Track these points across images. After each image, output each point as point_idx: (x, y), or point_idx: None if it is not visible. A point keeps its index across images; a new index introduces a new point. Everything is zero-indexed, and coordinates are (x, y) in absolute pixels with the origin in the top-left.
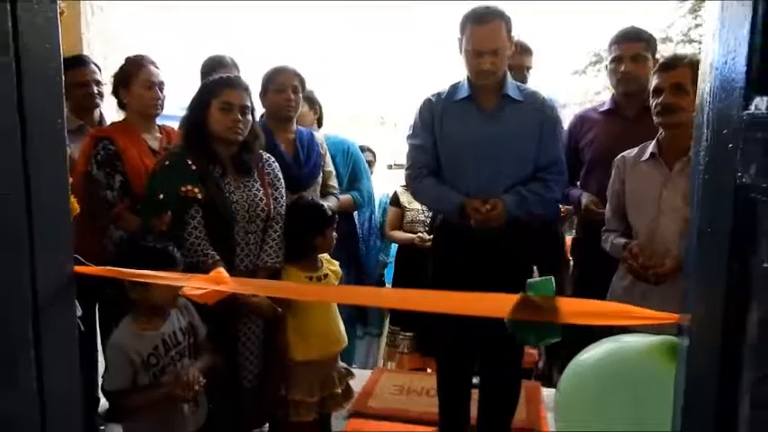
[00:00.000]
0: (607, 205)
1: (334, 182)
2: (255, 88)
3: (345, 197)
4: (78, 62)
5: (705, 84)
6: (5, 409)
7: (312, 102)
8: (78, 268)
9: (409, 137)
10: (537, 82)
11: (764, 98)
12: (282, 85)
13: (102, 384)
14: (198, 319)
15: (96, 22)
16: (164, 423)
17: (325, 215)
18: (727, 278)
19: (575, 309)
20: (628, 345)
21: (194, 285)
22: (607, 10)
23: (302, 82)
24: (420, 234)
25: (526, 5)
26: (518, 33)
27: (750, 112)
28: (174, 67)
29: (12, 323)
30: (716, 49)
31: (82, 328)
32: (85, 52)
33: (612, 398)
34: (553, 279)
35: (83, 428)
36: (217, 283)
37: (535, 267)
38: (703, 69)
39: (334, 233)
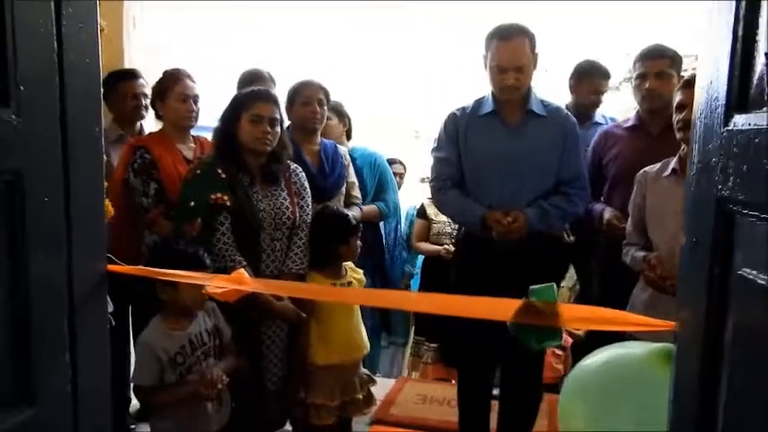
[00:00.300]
0: (628, 219)
1: (357, 192)
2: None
3: (371, 207)
4: (130, 75)
5: (696, 103)
6: (40, 405)
7: (341, 114)
8: (111, 267)
9: (434, 150)
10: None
11: (742, 116)
12: (309, 98)
13: (131, 379)
14: (223, 322)
15: (137, 36)
16: (189, 420)
17: (350, 224)
18: (709, 285)
19: (574, 314)
20: (629, 351)
21: (216, 284)
22: (644, 17)
23: (327, 95)
24: (446, 246)
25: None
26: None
27: (729, 128)
28: (211, 78)
29: (48, 320)
30: (703, 72)
31: (113, 322)
32: (126, 65)
33: (613, 401)
34: (555, 286)
35: (113, 424)
36: (238, 282)
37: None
38: (697, 90)
39: (359, 242)
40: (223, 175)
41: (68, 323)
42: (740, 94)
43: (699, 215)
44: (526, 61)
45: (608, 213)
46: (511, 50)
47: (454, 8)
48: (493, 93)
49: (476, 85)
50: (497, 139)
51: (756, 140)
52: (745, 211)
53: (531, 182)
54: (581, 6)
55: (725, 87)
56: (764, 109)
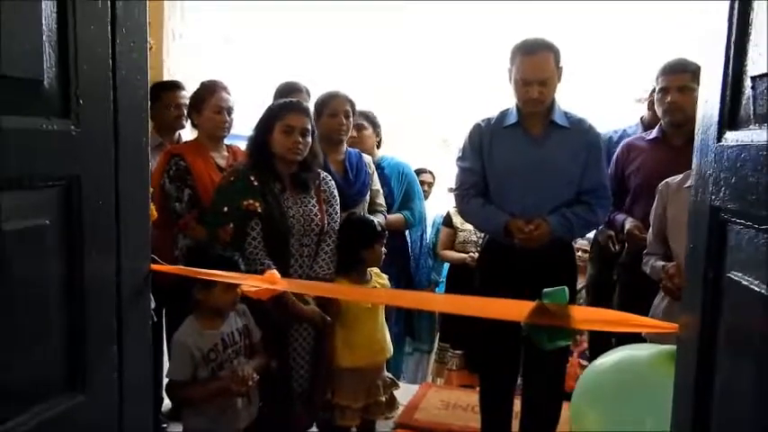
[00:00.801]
0: (649, 229)
1: (381, 200)
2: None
3: (397, 216)
4: (174, 86)
5: (696, 120)
6: (91, 393)
7: (375, 124)
8: (154, 266)
9: (459, 159)
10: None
11: (733, 133)
12: (335, 110)
13: (166, 374)
14: (253, 323)
15: (177, 47)
16: (220, 414)
17: (375, 230)
18: (704, 288)
19: (584, 316)
20: (638, 352)
21: (251, 284)
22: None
23: (353, 107)
24: (471, 254)
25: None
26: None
27: (721, 144)
28: (246, 88)
29: (99, 314)
30: (702, 92)
31: (155, 318)
32: (165, 76)
33: (621, 400)
34: (567, 289)
35: (153, 415)
36: (270, 282)
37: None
38: (698, 108)
39: (384, 249)
40: (255, 183)
41: (117, 317)
42: (731, 113)
43: (696, 223)
44: (550, 75)
45: (629, 223)
46: (535, 65)
47: (483, 18)
48: (517, 105)
49: (504, 93)
50: (520, 150)
51: (743, 155)
52: (734, 219)
53: (553, 191)
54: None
55: (718, 106)
56: (750, 127)
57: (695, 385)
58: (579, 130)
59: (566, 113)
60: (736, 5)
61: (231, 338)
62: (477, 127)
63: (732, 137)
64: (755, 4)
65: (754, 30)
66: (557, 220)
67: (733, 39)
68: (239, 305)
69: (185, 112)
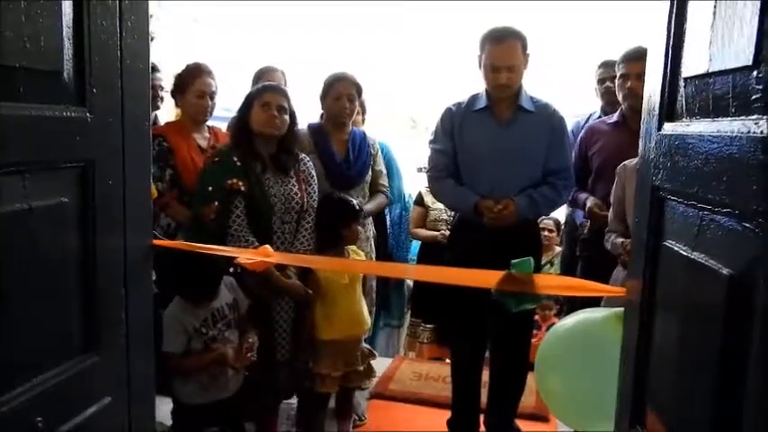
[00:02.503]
0: (610, 209)
1: (383, 180)
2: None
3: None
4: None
5: (642, 110)
6: (104, 353)
7: (362, 105)
8: (155, 241)
9: (431, 142)
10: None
11: (670, 124)
12: (339, 93)
13: (162, 348)
14: (242, 296)
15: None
16: (211, 382)
17: (353, 209)
18: (645, 255)
19: (546, 283)
20: (593, 315)
21: (246, 256)
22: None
23: (359, 90)
24: (443, 231)
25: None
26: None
27: (661, 133)
28: (217, 69)
29: (110, 284)
30: (647, 85)
31: (156, 289)
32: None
33: (576, 355)
34: (532, 259)
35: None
36: (264, 255)
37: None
38: (644, 99)
39: (372, 228)
40: (238, 163)
41: (124, 287)
42: (668, 107)
43: (640, 200)
44: (518, 62)
45: (590, 202)
46: (503, 52)
47: (486, 15)
48: (486, 90)
49: (472, 74)
50: (489, 134)
51: (677, 143)
52: (669, 197)
53: (520, 173)
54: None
55: (659, 100)
56: (683, 120)
57: (637, 343)
58: (545, 114)
59: (532, 98)
60: (674, 12)
61: (221, 313)
62: (449, 111)
63: (669, 127)
64: (689, 14)
65: (687, 36)
66: (524, 201)
67: (671, 43)
68: (227, 279)
69: (159, 93)
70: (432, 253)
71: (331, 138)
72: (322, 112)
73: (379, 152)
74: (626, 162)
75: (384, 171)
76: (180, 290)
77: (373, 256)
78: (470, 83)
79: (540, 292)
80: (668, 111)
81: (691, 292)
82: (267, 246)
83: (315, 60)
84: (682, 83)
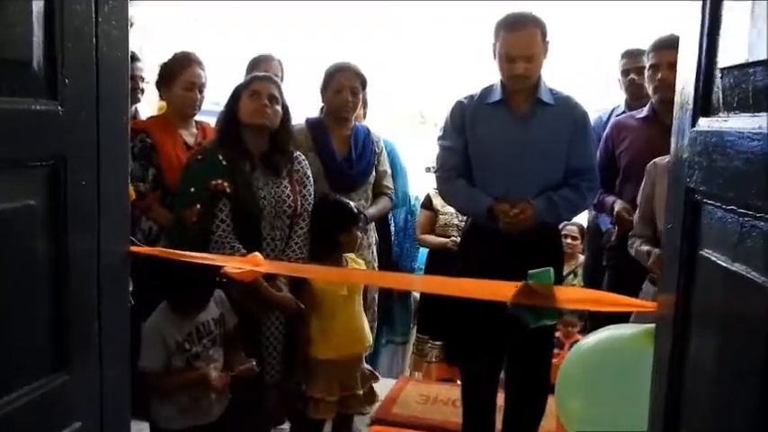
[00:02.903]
0: (637, 210)
1: (388, 182)
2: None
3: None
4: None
5: (675, 104)
6: (75, 372)
7: (365, 101)
8: (133, 248)
9: (440, 138)
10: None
11: (705, 119)
12: (341, 85)
13: (139, 363)
14: (229, 309)
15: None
16: (192, 405)
17: (351, 212)
18: (680, 266)
19: (568, 296)
20: (619, 332)
21: (233, 265)
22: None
23: (363, 82)
24: (453, 238)
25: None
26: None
27: (695, 129)
28: (210, 62)
29: (82, 294)
30: (679, 76)
31: (132, 301)
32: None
33: (602, 374)
34: (552, 270)
35: (131, 397)
36: (253, 264)
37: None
38: (676, 92)
39: (362, 233)
40: (224, 162)
41: (97, 298)
42: (704, 100)
43: (674, 203)
44: (537, 51)
45: (618, 206)
46: (521, 40)
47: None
48: (501, 81)
49: (484, 67)
50: (505, 129)
51: (713, 140)
52: (706, 200)
53: (539, 173)
54: None
55: (692, 93)
56: (720, 115)
57: (670, 363)
58: (566, 107)
59: (551, 90)
60: (708, 2)
61: (207, 328)
62: (459, 104)
63: (705, 123)
64: (725, 3)
65: (723, 24)
66: (542, 204)
67: (706, 31)
68: (216, 292)
69: (140, 85)
70: (441, 262)
71: (331, 134)
72: (322, 105)
73: (384, 151)
74: (656, 160)
75: (389, 172)
76: (169, 296)
77: (375, 265)
78: (484, 74)
79: (561, 307)
80: (703, 104)
81: (730, 307)
82: (257, 253)
83: (316, 52)
84: (718, 74)
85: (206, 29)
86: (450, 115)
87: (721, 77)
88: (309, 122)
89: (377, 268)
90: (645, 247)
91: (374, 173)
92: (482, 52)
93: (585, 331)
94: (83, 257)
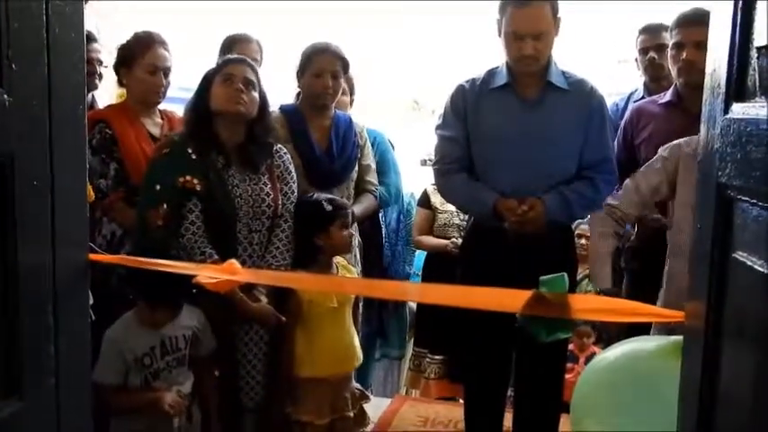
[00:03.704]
0: (629, 180)
1: (372, 177)
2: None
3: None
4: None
5: (704, 88)
6: (28, 399)
7: (351, 86)
8: (93, 256)
9: (438, 127)
10: (583, 69)
11: (739, 105)
12: (321, 69)
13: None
14: (206, 331)
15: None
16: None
17: (322, 210)
18: (710, 270)
19: (585, 306)
20: (642, 345)
21: (207, 275)
22: None
23: (345, 66)
24: (454, 239)
25: None
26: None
27: (728, 116)
28: (175, 44)
29: (35, 311)
30: (709, 57)
31: (93, 317)
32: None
33: (623, 392)
34: (566, 276)
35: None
36: (230, 273)
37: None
38: (706, 76)
39: (350, 232)
40: (194, 156)
41: (53, 314)
42: (737, 83)
43: (703, 200)
44: (546, 28)
45: None
46: (529, 16)
47: None
48: (507, 63)
49: (489, 44)
50: (512, 116)
51: (748, 129)
52: (740, 197)
53: (550, 165)
54: None
55: (725, 76)
56: (757, 100)
57: (701, 380)
58: (580, 92)
59: (564, 73)
60: None
61: (174, 344)
62: (461, 89)
63: (739, 109)
64: None
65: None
66: (554, 200)
67: (740, 6)
68: (194, 308)
69: (98, 69)
70: (440, 266)
71: (309, 124)
72: (298, 90)
73: (368, 143)
74: (681, 141)
75: (373, 166)
76: (142, 289)
77: (358, 270)
78: (487, 55)
79: (577, 318)
80: (737, 88)
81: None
82: (233, 261)
83: (299, 35)
84: (754, 53)
85: (171, 5)
86: (451, 101)
87: (758, 58)
88: (284, 110)
89: (360, 273)
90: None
91: (356, 167)
92: (483, 30)
93: (601, 342)
94: (35, 270)
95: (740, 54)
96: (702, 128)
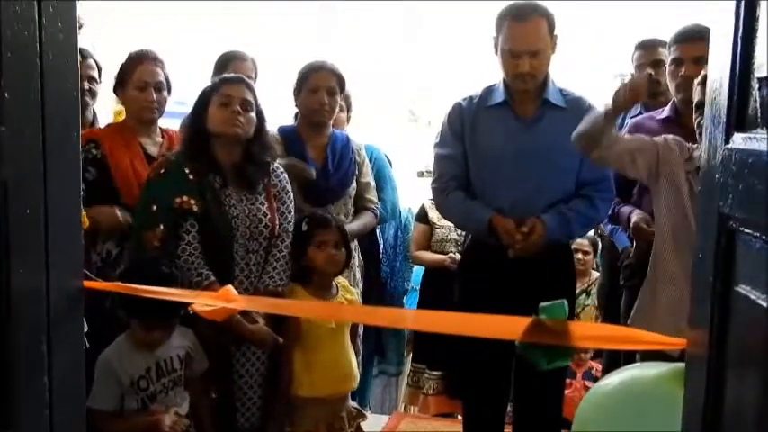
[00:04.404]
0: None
1: (371, 195)
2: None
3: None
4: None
5: (705, 116)
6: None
7: (348, 103)
8: (87, 283)
9: (436, 145)
10: (577, 84)
11: (740, 135)
12: (316, 85)
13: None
14: (198, 350)
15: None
16: None
17: (299, 230)
18: (712, 301)
19: (586, 333)
20: (644, 372)
21: (202, 302)
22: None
23: (341, 83)
24: (452, 254)
25: None
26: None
27: (729, 146)
28: (173, 58)
29: (28, 339)
30: (710, 84)
31: (87, 344)
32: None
33: (626, 422)
34: (566, 302)
35: None
36: (226, 300)
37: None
38: (706, 103)
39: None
40: (191, 176)
41: (46, 343)
42: (738, 113)
43: (704, 230)
44: (543, 45)
45: (636, 216)
46: (526, 33)
47: None
48: (504, 80)
49: (485, 59)
50: (509, 135)
51: (750, 161)
52: (743, 229)
53: (548, 184)
54: None
55: (725, 105)
56: (758, 131)
57: (704, 408)
58: (578, 109)
59: (561, 90)
60: (743, 1)
61: (169, 365)
62: (458, 107)
63: (740, 139)
64: (762, 2)
65: (761, 28)
66: (554, 220)
67: (740, 35)
68: (185, 329)
69: (94, 87)
70: (438, 281)
71: (307, 143)
72: (296, 111)
73: (366, 160)
74: (670, 140)
75: (372, 184)
76: (136, 310)
77: (359, 291)
78: (483, 69)
79: (578, 345)
80: (738, 118)
81: None
82: (229, 287)
83: (293, 47)
84: (755, 83)
85: (166, 18)
86: (448, 120)
87: (759, 88)
88: (282, 130)
89: (361, 293)
90: (626, 208)
91: (355, 185)
92: (481, 46)
93: (599, 357)
94: (28, 298)
95: (741, 84)
96: (703, 156)
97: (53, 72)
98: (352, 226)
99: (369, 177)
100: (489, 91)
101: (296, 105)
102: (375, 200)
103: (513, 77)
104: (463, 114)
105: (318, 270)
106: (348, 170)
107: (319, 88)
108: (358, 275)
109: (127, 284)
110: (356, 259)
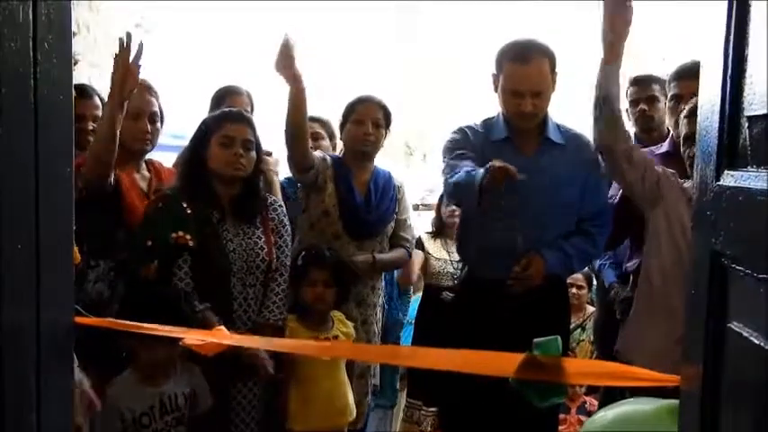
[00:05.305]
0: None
1: (407, 233)
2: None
3: None
4: (84, 93)
5: (696, 152)
6: None
7: (331, 134)
8: (78, 319)
9: (446, 152)
10: (576, 118)
11: (731, 173)
12: (362, 116)
13: None
14: (203, 388)
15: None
16: None
17: (294, 264)
18: (705, 338)
19: (580, 369)
20: (638, 407)
21: (195, 338)
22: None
23: (387, 116)
24: (446, 294)
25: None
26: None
27: (720, 183)
28: (167, 89)
29: (17, 377)
30: (700, 121)
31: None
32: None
33: None
34: (560, 339)
35: None
36: (217, 336)
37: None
38: (697, 139)
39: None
40: (188, 210)
41: (35, 380)
42: (729, 150)
43: (697, 267)
44: (545, 86)
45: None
46: (529, 74)
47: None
48: (504, 116)
49: (478, 90)
50: None
51: (740, 199)
52: (735, 266)
53: (552, 219)
54: None
55: (716, 142)
56: (749, 169)
57: None
58: (577, 146)
59: (560, 127)
60: (732, 31)
61: (173, 403)
62: (466, 130)
63: (731, 177)
64: (752, 34)
65: (750, 63)
66: (554, 257)
67: (729, 71)
68: (187, 363)
69: (91, 126)
70: (434, 315)
71: (352, 174)
72: (341, 148)
73: (405, 197)
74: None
75: (409, 222)
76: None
77: (377, 329)
78: (476, 100)
79: (572, 382)
80: (729, 155)
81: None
82: (222, 327)
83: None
84: (745, 122)
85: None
86: (461, 134)
87: (748, 126)
88: (332, 157)
89: (378, 331)
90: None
91: (393, 222)
92: (476, 75)
93: (594, 392)
94: (17, 333)
95: (731, 122)
96: (696, 192)
97: (48, 106)
98: (384, 257)
99: (406, 215)
100: (489, 125)
101: (341, 138)
102: (410, 239)
103: (516, 116)
104: (472, 139)
105: (309, 305)
106: (389, 207)
107: (365, 119)
108: (379, 314)
109: (119, 321)
110: (380, 298)
